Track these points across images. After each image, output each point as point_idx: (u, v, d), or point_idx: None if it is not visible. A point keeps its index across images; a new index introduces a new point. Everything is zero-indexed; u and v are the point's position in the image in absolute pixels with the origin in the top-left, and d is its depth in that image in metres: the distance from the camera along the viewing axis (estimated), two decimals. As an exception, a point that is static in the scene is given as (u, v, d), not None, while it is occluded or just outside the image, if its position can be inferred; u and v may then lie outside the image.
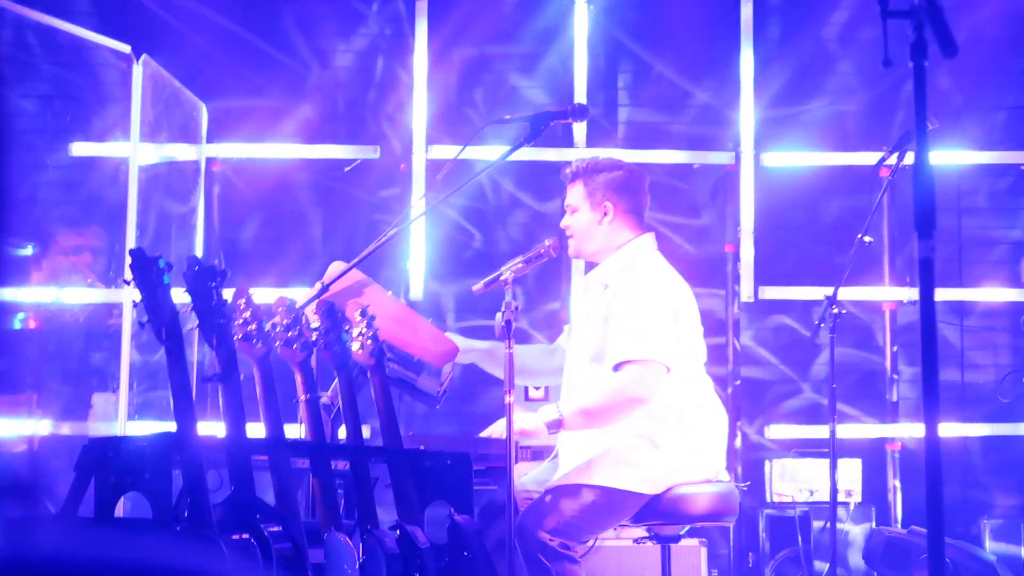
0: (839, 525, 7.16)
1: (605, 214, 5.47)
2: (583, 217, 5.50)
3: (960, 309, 8.49)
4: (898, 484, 8.11)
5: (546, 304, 8.54)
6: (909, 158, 6.28)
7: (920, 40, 2.91)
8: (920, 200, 2.86)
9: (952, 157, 8.42)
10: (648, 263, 5.44)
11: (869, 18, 8.65)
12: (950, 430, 8.11)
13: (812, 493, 7.65)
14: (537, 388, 6.77)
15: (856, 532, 7.70)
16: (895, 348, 8.27)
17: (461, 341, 5.57)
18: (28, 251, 7.18)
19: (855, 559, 7.70)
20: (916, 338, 8.19)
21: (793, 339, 8.61)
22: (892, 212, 8.24)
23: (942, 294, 7.97)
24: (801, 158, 8.51)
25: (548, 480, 5.38)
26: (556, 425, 5.20)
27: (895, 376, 8.26)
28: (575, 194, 5.52)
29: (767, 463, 7.80)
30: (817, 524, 7.61)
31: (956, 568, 7.22)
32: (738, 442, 8.10)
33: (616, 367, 5.24)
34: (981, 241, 8.69)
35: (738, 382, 8.22)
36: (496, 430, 5.48)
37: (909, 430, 8.14)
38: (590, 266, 5.71)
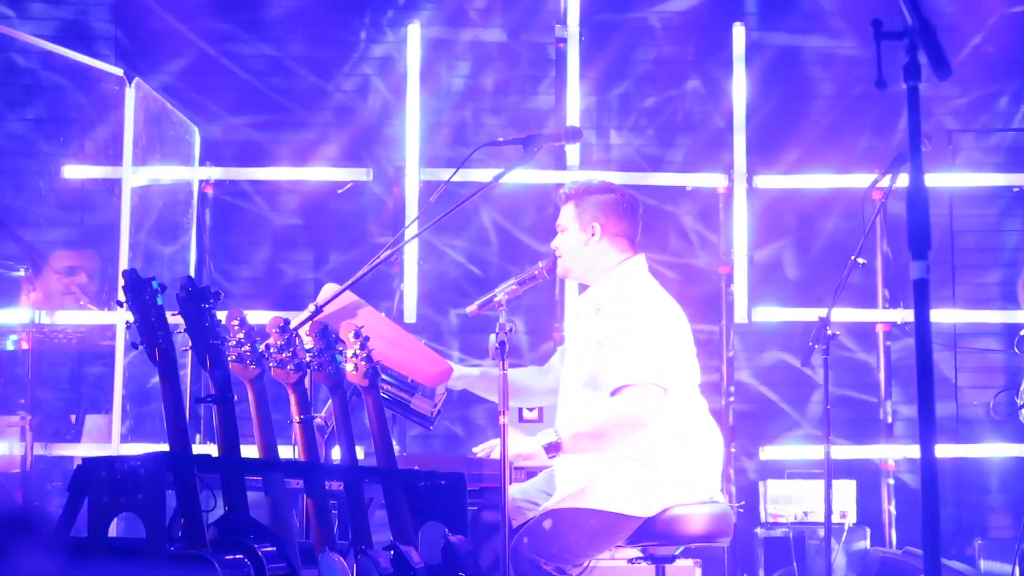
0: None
1: (592, 235, 5.47)
2: (571, 237, 5.51)
3: (953, 331, 8.49)
4: (893, 506, 8.10)
5: (539, 326, 8.54)
6: (902, 180, 6.29)
7: (913, 61, 2.91)
8: (914, 221, 2.87)
9: (945, 179, 8.43)
10: (639, 285, 5.44)
11: (861, 40, 8.67)
12: (944, 451, 8.10)
13: (806, 514, 7.64)
14: (531, 409, 6.77)
15: (841, 560, 7.69)
16: (887, 382, 8.27)
17: (454, 367, 5.57)
18: (20, 273, 7.16)
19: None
20: (910, 360, 8.20)
21: (787, 361, 8.61)
22: (885, 234, 8.24)
23: (936, 315, 7.97)
24: (794, 180, 8.52)
25: (539, 492, 5.38)
26: (554, 448, 5.20)
27: (889, 399, 8.25)
28: (566, 214, 5.54)
29: (761, 484, 7.79)
30: (812, 543, 7.59)
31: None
32: (732, 463, 8.09)
33: (614, 392, 5.23)
34: (975, 264, 8.71)
35: (732, 398, 8.21)
36: (490, 447, 5.48)
37: (903, 451, 8.13)
38: (583, 289, 5.72)
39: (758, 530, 7.70)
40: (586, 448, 5.25)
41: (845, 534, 7.62)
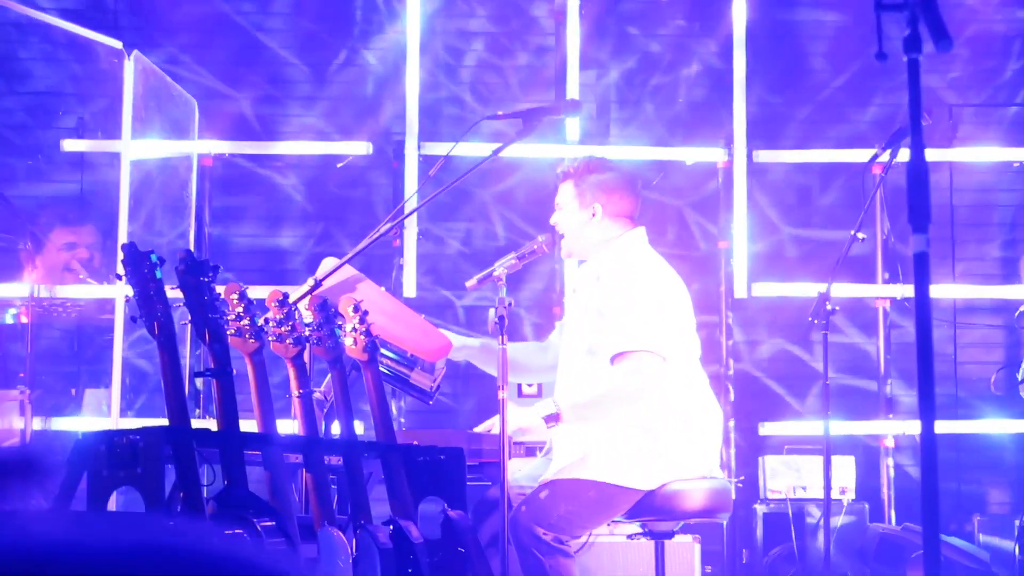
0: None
1: (593, 215, 5.46)
2: (571, 217, 5.50)
3: (953, 306, 8.50)
4: (892, 483, 8.10)
5: (538, 300, 8.54)
6: (903, 155, 6.27)
7: (914, 34, 2.90)
8: (914, 194, 2.86)
9: (945, 154, 8.43)
10: (640, 255, 5.44)
11: (861, 12, 8.65)
12: (943, 427, 8.10)
13: (805, 490, 7.65)
14: (530, 385, 6.77)
15: (850, 530, 7.70)
16: (888, 356, 8.26)
17: (454, 338, 5.56)
18: (20, 247, 7.16)
19: (848, 556, 7.70)
20: (908, 335, 8.20)
21: (787, 335, 8.62)
22: (885, 209, 8.23)
23: (935, 291, 7.96)
24: (793, 155, 8.51)
25: (542, 475, 5.37)
26: (553, 419, 5.19)
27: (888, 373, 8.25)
28: (565, 193, 5.53)
29: (760, 460, 7.80)
30: (811, 519, 7.60)
31: (950, 565, 7.22)
32: (732, 438, 8.10)
33: (612, 359, 5.23)
34: (975, 238, 8.71)
35: (733, 371, 8.21)
36: (491, 424, 5.48)
37: (903, 427, 8.13)
38: (583, 262, 5.71)
39: (757, 506, 7.71)
40: (585, 418, 5.25)
41: (844, 510, 7.63)
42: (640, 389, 5.20)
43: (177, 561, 0.90)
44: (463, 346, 5.61)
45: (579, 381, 5.35)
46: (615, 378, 5.22)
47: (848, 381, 8.54)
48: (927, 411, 2.83)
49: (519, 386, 6.76)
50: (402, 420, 7.95)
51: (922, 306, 2.85)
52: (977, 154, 8.56)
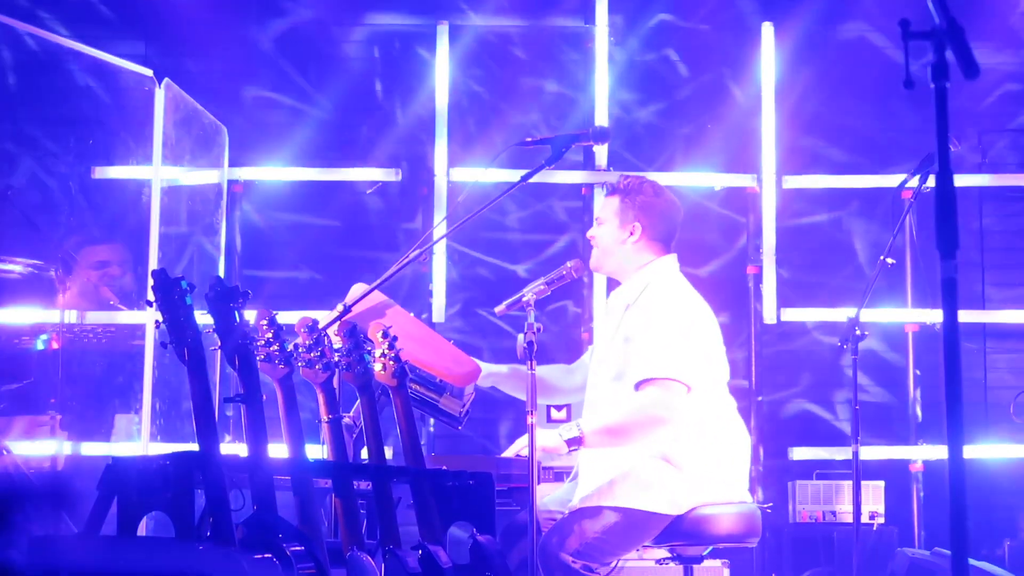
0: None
1: (631, 234, 5.48)
2: (610, 232, 5.52)
3: (982, 331, 8.47)
4: (921, 506, 8.08)
5: (567, 326, 8.54)
6: (932, 181, 6.27)
7: (941, 61, 2.91)
8: (942, 220, 2.87)
9: (974, 180, 8.41)
10: (669, 283, 5.45)
11: (889, 40, 8.65)
12: (973, 451, 8.07)
13: (835, 515, 7.63)
14: (559, 408, 6.77)
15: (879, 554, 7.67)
16: (918, 372, 8.23)
17: (481, 366, 5.57)
18: (51, 274, 7.19)
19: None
20: (939, 360, 8.17)
21: (815, 361, 8.60)
22: (915, 234, 8.22)
23: (964, 316, 7.95)
24: (823, 180, 8.50)
25: (570, 500, 5.37)
26: (576, 442, 5.19)
27: (917, 398, 8.23)
28: (609, 207, 5.55)
29: (790, 484, 7.78)
30: (840, 543, 7.57)
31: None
32: (760, 463, 8.08)
33: (637, 386, 5.24)
34: (1003, 264, 8.67)
35: (762, 396, 8.20)
36: (518, 448, 5.49)
37: (932, 452, 8.10)
38: (612, 286, 5.72)
39: (786, 530, 7.69)
40: (607, 443, 5.25)
41: (873, 534, 7.60)
42: (662, 418, 5.20)
43: None
44: (490, 373, 5.61)
45: (605, 406, 5.35)
46: (638, 405, 5.22)
47: (878, 402, 8.51)
48: (955, 435, 2.84)
49: (548, 410, 6.76)
50: (428, 448, 7.95)
51: (950, 331, 2.86)
52: (1005, 180, 8.53)
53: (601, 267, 5.63)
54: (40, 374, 7.24)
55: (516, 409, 8.22)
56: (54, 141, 8.55)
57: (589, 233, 5.61)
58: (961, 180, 8.32)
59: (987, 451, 8.16)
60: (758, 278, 8.23)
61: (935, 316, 8.15)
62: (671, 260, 5.54)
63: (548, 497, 5.52)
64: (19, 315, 7.51)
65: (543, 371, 5.64)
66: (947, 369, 2.82)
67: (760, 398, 8.20)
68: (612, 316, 5.54)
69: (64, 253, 7.20)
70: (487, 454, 6.91)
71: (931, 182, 6.21)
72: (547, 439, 5.20)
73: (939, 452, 8.09)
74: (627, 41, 8.71)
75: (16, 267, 7.12)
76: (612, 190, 5.58)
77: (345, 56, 8.82)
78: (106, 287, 7.59)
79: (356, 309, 5.16)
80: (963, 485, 2.86)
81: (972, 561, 7.05)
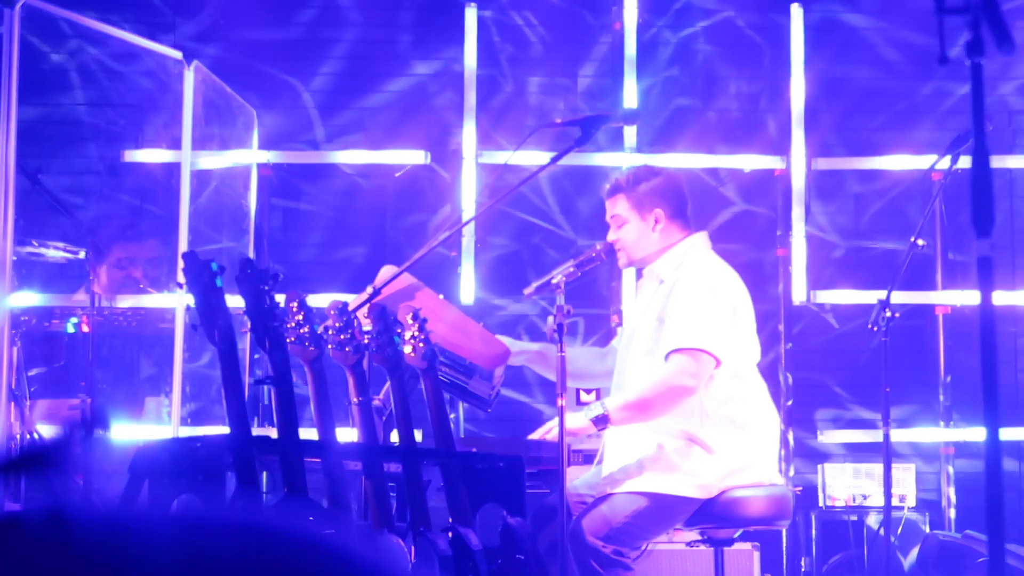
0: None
1: (657, 222, 5.43)
2: (633, 228, 5.44)
3: (1014, 313, 8.43)
4: (952, 489, 8.06)
5: (596, 309, 8.53)
6: (963, 162, 6.23)
7: (976, 38, 2.87)
8: (978, 199, 2.84)
9: (1006, 161, 8.37)
10: (703, 259, 5.41)
11: (919, 17, 8.60)
12: (1006, 434, 8.04)
13: (865, 498, 7.61)
14: (588, 392, 6.75)
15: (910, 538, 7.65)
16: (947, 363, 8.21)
17: (512, 343, 5.55)
18: (81, 256, 7.21)
19: (909, 564, 7.65)
20: (969, 342, 8.14)
21: (846, 343, 8.57)
22: (945, 216, 8.18)
23: (996, 297, 7.91)
24: (852, 162, 8.48)
25: (599, 483, 5.36)
26: (602, 420, 5.16)
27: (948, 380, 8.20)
28: (620, 207, 5.47)
29: (820, 467, 7.76)
30: (871, 526, 7.56)
31: (1015, 573, 7.15)
32: (791, 445, 8.07)
33: (666, 356, 5.20)
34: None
35: (792, 378, 8.18)
36: (545, 430, 5.46)
37: (963, 435, 8.07)
38: (641, 271, 5.68)
39: (816, 514, 7.67)
40: (634, 418, 5.21)
41: (904, 517, 7.58)
42: (685, 387, 5.15)
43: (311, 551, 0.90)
44: (522, 351, 5.59)
45: (641, 379, 5.31)
46: (662, 376, 5.18)
47: (909, 388, 8.49)
48: (991, 418, 2.81)
49: (577, 392, 6.75)
50: (457, 430, 7.95)
51: (986, 312, 2.83)
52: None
53: (634, 262, 5.55)
54: (70, 357, 7.26)
55: (547, 392, 8.22)
56: (84, 124, 8.56)
57: (611, 237, 5.49)
58: (994, 161, 8.27)
59: (1020, 434, 8.12)
60: (787, 260, 8.21)
61: (965, 298, 8.13)
62: (702, 237, 5.49)
63: (578, 480, 5.50)
64: (49, 298, 7.53)
65: (574, 354, 5.62)
66: (983, 349, 2.80)
67: (790, 381, 8.17)
68: (644, 293, 5.50)
69: (96, 237, 7.20)
70: (516, 436, 6.89)
71: (962, 163, 6.19)
72: (574, 421, 5.17)
73: (970, 435, 8.06)
74: (655, 23, 8.68)
75: (46, 250, 7.14)
76: (613, 190, 5.49)
77: (373, 39, 8.81)
78: (135, 271, 7.59)
79: (385, 291, 5.15)
80: (999, 468, 2.84)
81: (1008, 545, 7.02)
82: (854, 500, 7.63)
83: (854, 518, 7.59)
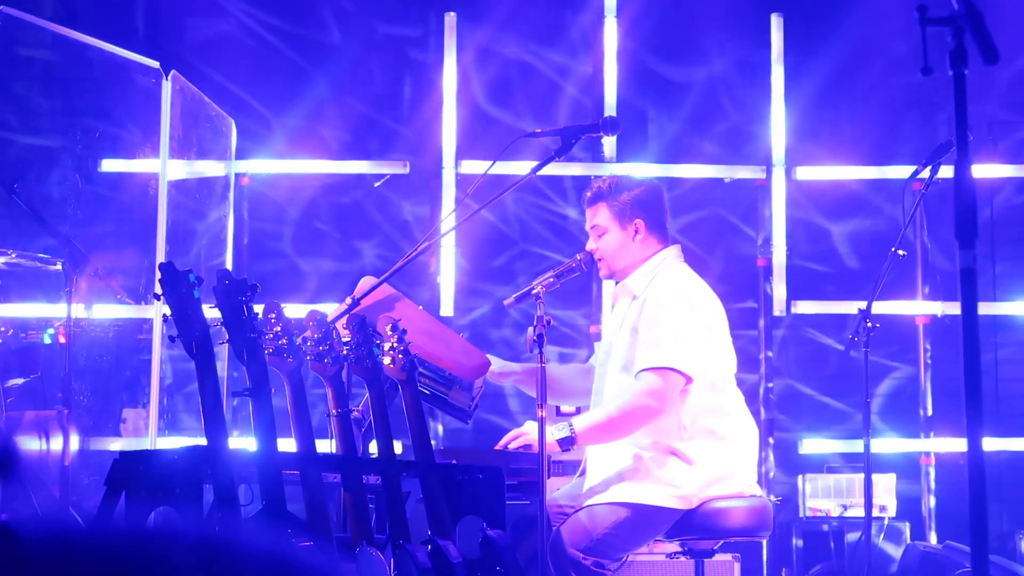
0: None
1: (637, 232, 5.42)
2: (614, 237, 5.43)
3: (994, 323, 8.43)
4: (933, 499, 8.06)
5: (575, 319, 8.51)
6: (943, 171, 6.22)
7: (960, 48, 2.86)
8: (961, 208, 2.83)
9: (986, 170, 8.37)
10: (676, 274, 5.40)
11: (902, 28, 8.60)
12: (986, 444, 8.03)
13: (846, 508, 7.60)
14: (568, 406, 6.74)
15: (891, 548, 7.64)
16: (929, 361, 8.21)
17: (495, 363, 5.53)
18: (58, 267, 7.16)
19: (889, 574, 7.64)
20: (948, 353, 8.14)
21: (825, 353, 8.57)
22: (925, 226, 8.19)
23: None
24: (833, 172, 8.48)
25: (580, 494, 5.34)
26: (568, 442, 5.14)
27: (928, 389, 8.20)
28: (601, 216, 5.45)
29: (800, 478, 7.75)
30: (851, 537, 7.54)
31: (994, 584, 7.15)
32: (770, 457, 8.06)
33: (637, 376, 5.20)
34: (1015, 255, 8.64)
35: (772, 389, 8.17)
36: (510, 438, 5.42)
37: (944, 444, 8.07)
38: (620, 280, 5.67)
39: (796, 525, 7.66)
40: (601, 439, 5.21)
41: (884, 528, 7.57)
42: (651, 408, 5.14)
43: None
44: (507, 372, 5.57)
45: (613, 397, 5.31)
46: (629, 399, 5.17)
47: (888, 398, 8.49)
48: (974, 428, 2.80)
49: (557, 406, 6.73)
50: (437, 441, 7.92)
51: (969, 322, 2.82)
52: (1019, 170, 8.49)
53: (615, 272, 5.54)
54: (47, 368, 7.21)
55: (526, 403, 8.20)
56: (62, 133, 8.52)
57: (590, 246, 5.47)
58: (977, 170, 8.27)
59: (999, 444, 8.13)
60: (768, 270, 8.21)
61: (945, 308, 8.13)
62: (675, 251, 5.48)
63: (558, 491, 5.49)
64: (26, 309, 7.49)
65: (559, 372, 5.65)
66: (966, 359, 2.78)
67: (771, 388, 8.16)
68: (619, 307, 5.50)
69: (72, 248, 7.16)
70: (497, 448, 6.87)
71: (943, 173, 6.18)
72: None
73: (950, 445, 8.06)
74: (634, 33, 8.67)
75: (23, 261, 7.09)
76: (595, 198, 5.48)
77: (353, 48, 8.79)
78: (113, 281, 7.55)
79: (364, 302, 5.13)
80: (983, 477, 2.82)
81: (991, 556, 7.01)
82: (835, 511, 7.62)
83: (835, 528, 7.58)
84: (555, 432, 5.15)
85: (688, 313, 5.25)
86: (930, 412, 8.18)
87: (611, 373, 5.38)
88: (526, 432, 5.27)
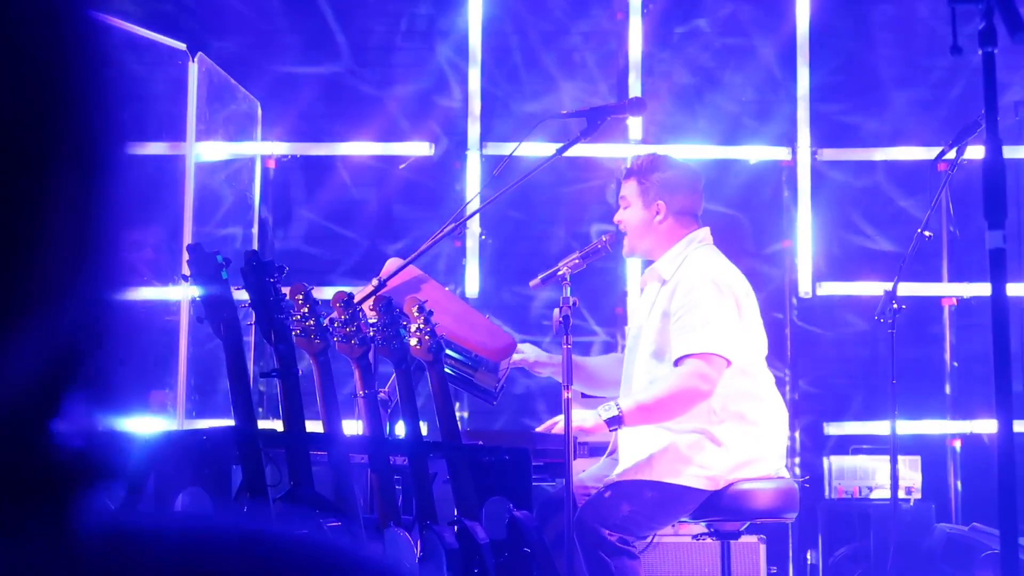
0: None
1: (657, 213, 5.42)
2: (635, 214, 5.46)
3: (1021, 304, 8.40)
4: (959, 482, 8.04)
5: (604, 302, 8.51)
6: (969, 152, 6.20)
7: (989, 26, 2.85)
8: (990, 189, 2.82)
9: (1012, 151, 8.33)
10: (705, 257, 5.40)
11: (927, 5, 8.56)
12: (1016, 427, 8.00)
13: (871, 490, 7.59)
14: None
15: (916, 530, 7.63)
16: (954, 341, 8.19)
17: (532, 352, 5.55)
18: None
19: (915, 556, 7.63)
20: (975, 334, 8.11)
21: (852, 335, 8.54)
22: (951, 207, 8.15)
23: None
24: (858, 153, 8.45)
25: (607, 476, 5.34)
26: (616, 422, 5.16)
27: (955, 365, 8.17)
28: (629, 189, 5.49)
29: (826, 459, 7.73)
30: (876, 519, 7.53)
31: None
32: (797, 438, 8.05)
33: (677, 362, 5.20)
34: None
35: (798, 371, 8.16)
36: (552, 423, 5.45)
37: (970, 426, 8.05)
38: (647, 265, 5.67)
39: (822, 506, 7.65)
40: (648, 420, 5.22)
41: (910, 510, 7.55)
42: (700, 392, 5.16)
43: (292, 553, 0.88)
44: (543, 362, 5.58)
45: (643, 382, 5.32)
46: (676, 380, 5.18)
47: (915, 379, 8.46)
48: (1004, 409, 2.79)
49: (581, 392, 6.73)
50: (463, 423, 7.93)
51: (999, 303, 2.81)
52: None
53: (635, 249, 5.56)
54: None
55: (550, 383, 8.20)
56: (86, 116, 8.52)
57: (616, 217, 5.53)
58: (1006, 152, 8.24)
59: (1025, 426, 8.10)
60: (793, 252, 8.19)
61: (972, 290, 8.11)
62: (704, 233, 5.49)
63: (585, 472, 5.49)
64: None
65: (601, 365, 5.71)
66: (996, 341, 2.78)
67: (796, 370, 8.15)
68: (647, 292, 5.50)
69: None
70: (522, 429, 6.87)
71: (969, 154, 6.16)
72: (586, 419, 5.17)
73: (976, 427, 8.04)
74: (659, 11, 8.65)
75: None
76: (628, 173, 5.52)
77: (377, 29, 8.78)
78: (147, 252, 7.57)
79: (391, 284, 5.14)
80: (1012, 459, 2.82)
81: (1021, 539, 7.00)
82: (860, 492, 7.61)
83: (860, 510, 7.56)
84: (602, 412, 5.16)
85: (722, 299, 5.25)
86: (956, 393, 8.15)
87: (640, 358, 5.38)
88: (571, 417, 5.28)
